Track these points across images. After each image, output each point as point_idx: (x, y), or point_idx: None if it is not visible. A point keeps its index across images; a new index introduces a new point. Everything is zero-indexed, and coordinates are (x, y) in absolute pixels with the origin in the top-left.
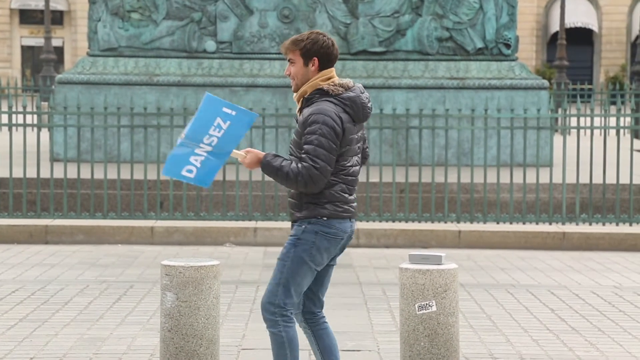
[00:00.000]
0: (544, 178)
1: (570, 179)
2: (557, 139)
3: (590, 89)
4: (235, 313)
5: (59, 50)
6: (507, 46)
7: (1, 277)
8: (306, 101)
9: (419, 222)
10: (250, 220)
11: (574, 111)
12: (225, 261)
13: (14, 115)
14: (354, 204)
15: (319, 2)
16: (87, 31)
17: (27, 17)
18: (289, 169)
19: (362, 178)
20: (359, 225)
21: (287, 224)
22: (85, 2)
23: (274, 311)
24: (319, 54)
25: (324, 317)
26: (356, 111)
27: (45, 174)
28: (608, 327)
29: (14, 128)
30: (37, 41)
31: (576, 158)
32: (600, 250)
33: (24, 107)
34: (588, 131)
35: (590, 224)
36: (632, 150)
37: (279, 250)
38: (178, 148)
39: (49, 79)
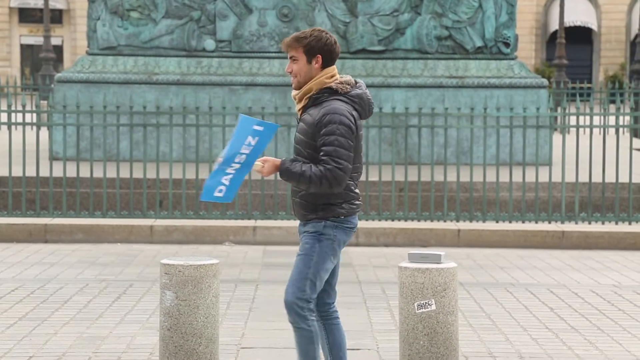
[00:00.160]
0: (543, 177)
1: (570, 177)
2: (557, 137)
3: (589, 88)
4: (235, 312)
5: (58, 49)
6: (507, 45)
7: (0, 276)
8: (313, 100)
9: (418, 221)
10: (249, 219)
11: (573, 110)
12: (225, 260)
13: (13, 114)
14: (360, 197)
15: (318, 1)
16: (86, 30)
17: (26, 15)
18: (311, 172)
19: (361, 177)
20: (359, 224)
21: (287, 223)
22: (84, 0)
23: (303, 306)
24: (322, 51)
25: (336, 311)
26: (364, 108)
27: (44, 172)
28: (607, 325)
29: (13, 127)
30: (37, 40)
31: (575, 157)
32: (600, 249)
33: (23, 106)
34: (587, 130)
35: (589, 223)
36: (631, 149)
37: (278, 249)
38: (215, 174)
39: (48, 77)
